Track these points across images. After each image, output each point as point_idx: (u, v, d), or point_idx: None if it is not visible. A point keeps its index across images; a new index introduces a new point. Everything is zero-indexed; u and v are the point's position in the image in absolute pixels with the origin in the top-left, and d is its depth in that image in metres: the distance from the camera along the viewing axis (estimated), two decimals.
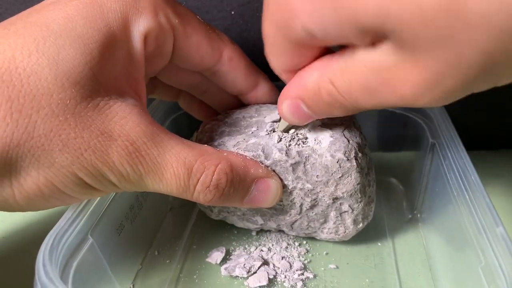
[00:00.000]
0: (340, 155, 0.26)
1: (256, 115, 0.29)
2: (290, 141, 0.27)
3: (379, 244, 0.31)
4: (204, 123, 0.30)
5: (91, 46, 0.20)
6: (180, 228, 0.33)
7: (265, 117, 0.29)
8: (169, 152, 0.22)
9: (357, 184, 0.27)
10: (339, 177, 0.26)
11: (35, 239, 0.23)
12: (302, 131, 0.27)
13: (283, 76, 0.23)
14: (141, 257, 0.30)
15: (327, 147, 0.26)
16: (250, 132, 0.28)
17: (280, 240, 0.31)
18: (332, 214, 0.28)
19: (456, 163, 0.26)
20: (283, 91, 0.23)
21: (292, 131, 0.27)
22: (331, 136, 0.27)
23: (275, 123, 0.28)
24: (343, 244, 0.31)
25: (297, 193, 0.27)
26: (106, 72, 0.21)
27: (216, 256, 0.30)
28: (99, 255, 0.24)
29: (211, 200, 0.23)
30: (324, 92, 0.20)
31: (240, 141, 0.27)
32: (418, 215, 0.33)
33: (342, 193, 0.27)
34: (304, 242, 0.31)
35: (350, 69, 0.19)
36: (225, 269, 0.28)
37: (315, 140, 0.27)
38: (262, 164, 0.26)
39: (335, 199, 0.27)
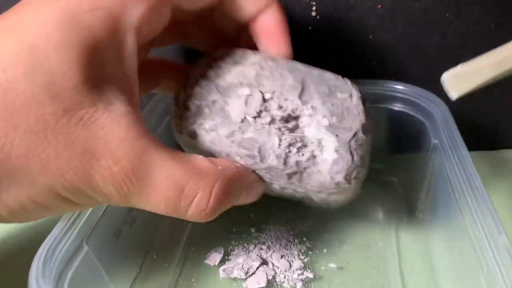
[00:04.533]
0: (340, 178, 0.24)
1: (256, 84, 0.25)
2: (290, 146, 0.24)
3: (380, 244, 0.31)
4: (191, 72, 0.26)
5: (69, 55, 0.18)
6: (178, 229, 0.33)
7: (265, 92, 0.25)
8: (158, 171, 0.20)
9: (350, 198, 0.26)
10: (334, 192, 0.25)
11: (32, 242, 0.22)
12: (306, 131, 0.25)
13: None
14: (140, 261, 0.30)
15: (329, 167, 0.24)
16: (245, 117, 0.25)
17: (280, 237, 0.31)
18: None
19: (458, 166, 0.25)
20: None
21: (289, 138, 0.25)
22: (336, 150, 0.25)
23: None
24: (344, 243, 0.31)
25: (287, 190, 0.26)
26: (90, 81, 0.19)
27: (214, 257, 0.30)
28: (95, 262, 0.24)
29: (206, 219, 0.22)
30: None
31: (235, 130, 0.24)
32: (420, 216, 0.32)
33: (335, 201, 0.26)
34: (304, 239, 0.31)
35: None
36: (224, 270, 0.28)
37: (318, 146, 0.25)
38: (256, 165, 0.24)
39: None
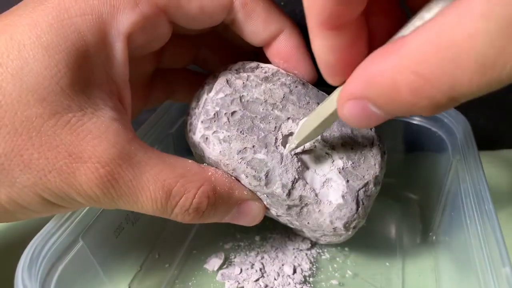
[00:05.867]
0: (339, 225, 0.24)
1: (281, 106, 0.25)
2: (298, 179, 0.24)
3: (387, 264, 0.29)
4: (219, 74, 0.25)
5: (58, 57, 0.19)
6: (183, 231, 0.33)
7: (288, 118, 0.25)
8: (147, 174, 0.20)
9: (340, 241, 0.26)
10: (329, 235, 0.25)
11: (29, 234, 0.22)
12: (318, 167, 0.25)
13: (330, 74, 0.19)
14: (141, 260, 0.30)
15: (331, 211, 0.24)
16: (263, 135, 0.24)
17: (283, 248, 0.30)
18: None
19: (472, 189, 0.24)
20: (343, 88, 0.18)
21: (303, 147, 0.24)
22: (343, 196, 0.24)
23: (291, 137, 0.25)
24: (349, 258, 0.30)
25: (283, 218, 0.26)
26: (77, 85, 0.19)
27: (214, 262, 0.29)
28: (90, 259, 0.24)
29: (190, 220, 0.22)
30: (404, 87, 0.15)
31: (248, 147, 0.24)
32: (433, 238, 0.31)
33: (325, 241, 0.26)
34: (308, 252, 0.30)
35: (448, 40, 0.13)
36: (222, 277, 0.28)
37: (324, 185, 0.24)
38: (259, 187, 0.24)
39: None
